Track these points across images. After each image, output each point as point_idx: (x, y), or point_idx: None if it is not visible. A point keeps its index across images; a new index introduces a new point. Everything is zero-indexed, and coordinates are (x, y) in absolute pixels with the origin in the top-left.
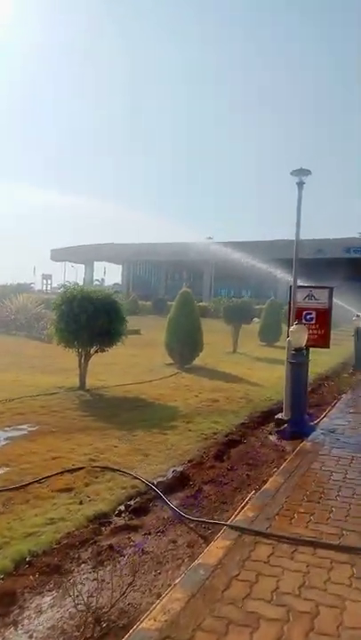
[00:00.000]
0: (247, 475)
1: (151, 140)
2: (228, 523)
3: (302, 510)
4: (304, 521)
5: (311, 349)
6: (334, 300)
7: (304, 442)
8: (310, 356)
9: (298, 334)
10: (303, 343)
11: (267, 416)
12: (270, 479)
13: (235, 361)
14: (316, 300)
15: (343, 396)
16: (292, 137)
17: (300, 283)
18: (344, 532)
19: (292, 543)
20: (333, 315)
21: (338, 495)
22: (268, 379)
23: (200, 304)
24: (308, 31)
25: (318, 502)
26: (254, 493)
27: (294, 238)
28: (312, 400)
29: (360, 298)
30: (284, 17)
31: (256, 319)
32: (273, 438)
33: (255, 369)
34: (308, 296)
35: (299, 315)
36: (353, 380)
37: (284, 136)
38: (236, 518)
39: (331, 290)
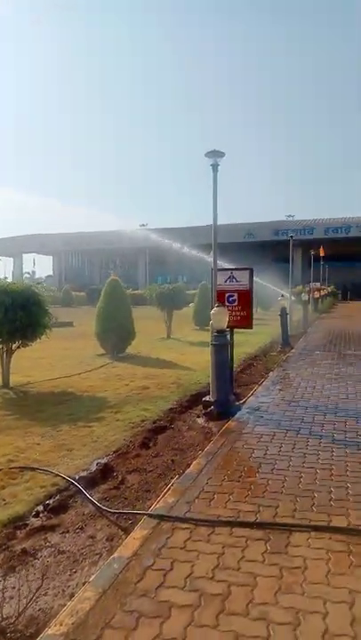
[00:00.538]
0: (172, 460)
1: (79, 130)
2: (148, 512)
3: (222, 491)
4: (223, 501)
5: (244, 330)
6: (264, 281)
7: (230, 422)
8: (243, 337)
9: (218, 316)
10: (224, 325)
11: (196, 399)
12: (194, 462)
13: (168, 347)
14: (237, 281)
15: (270, 373)
16: (221, 123)
17: (228, 265)
18: (260, 509)
19: (210, 525)
20: (265, 296)
21: (258, 472)
22: (200, 362)
23: (135, 292)
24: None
25: (238, 481)
26: (177, 478)
27: (212, 222)
28: (241, 379)
29: (288, 279)
30: None
31: (191, 304)
32: (201, 421)
33: (188, 353)
34: (229, 278)
35: (221, 297)
36: (280, 357)
37: (211, 123)
38: (157, 506)
39: (251, 271)
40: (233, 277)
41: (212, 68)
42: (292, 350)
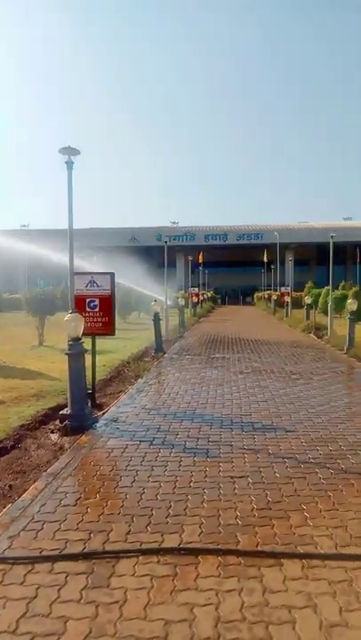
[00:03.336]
0: (10, 486)
1: None
2: None
3: (54, 519)
4: (52, 531)
5: (121, 336)
6: (149, 286)
7: (83, 436)
8: (121, 343)
9: (73, 323)
10: (80, 332)
11: (55, 412)
12: (31, 487)
13: (39, 355)
14: (98, 286)
15: (139, 380)
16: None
17: (112, 270)
18: (91, 536)
19: (29, 562)
20: (146, 301)
21: (98, 492)
22: None
23: (13, 296)
24: None
25: (75, 504)
26: (7, 509)
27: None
28: (109, 388)
29: (171, 284)
30: None
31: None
32: (54, 437)
33: (58, 362)
34: (89, 283)
35: (81, 303)
36: (152, 363)
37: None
38: None
39: (112, 275)
40: (94, 282)
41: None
42: (165, 355)
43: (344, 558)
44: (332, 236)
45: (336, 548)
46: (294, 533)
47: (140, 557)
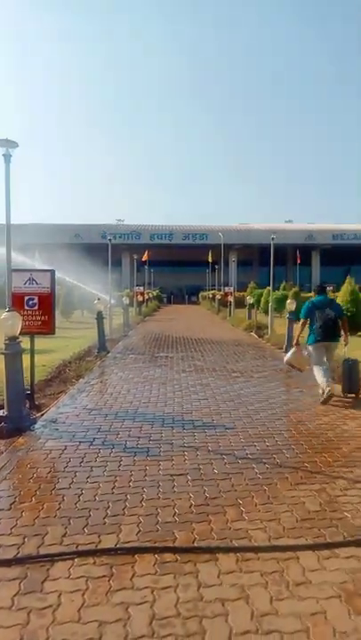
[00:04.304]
0: None
1: None
2: None
3: None
4: None
5: (65, 335)
6: (93, 284)
7: (20, 438)
8: (63, 342)
9: (10, 322)
10: (17, 331)
11: None
12: None
13: None
14: (37, 284)
15: (81, 380)
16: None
17: (54, 267)
18: (25, 540)
19: None
20: (90, 300)
21: (34, 495)
22: None
23: None
24: None
25: (9, 510)
26: None
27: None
28: (49, 388)
29: (116, 282)
30: None
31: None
32: None
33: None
34: (28, 280)
35: (19, 300)
36: (95, 363)
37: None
38: None
39: (52, 273)
40: (33, 280)
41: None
42: (108, 355)
43: (276, 550)
44: (272, 238)
45: (269, 540)
46: (230, 528)
47: (76, 560)
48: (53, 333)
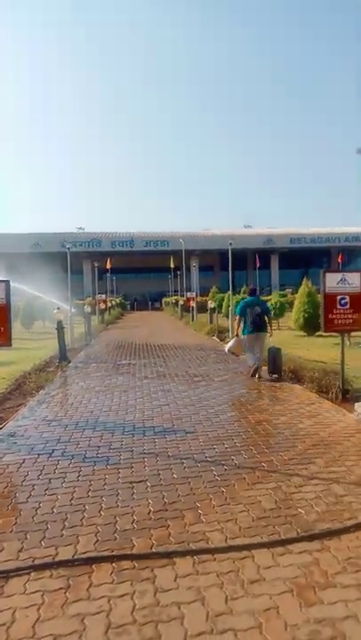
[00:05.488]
0: None
1: None
2: None
3: None
4: None
5: (27, 346)
6: (53, 293)
7: None
8: (25, 353)
9: None
10: None
11: None
12: None
13: None
14: None
15: (41, 392)
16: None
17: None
18: None
19: None
20: (51, 309)
21: None
22: None
23: None
24: None
25: None
26: None
27: None
28: (9, 401)
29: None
30: None
31: None
32: None
33: None
34: None
35: None
36: (55, 374)
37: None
38: None
39: (7, 283)
40: None
41: None
42: (69, 364)
43: (232, 550)
44: (230, 243)
45: (226, 540)
46: (188, 531)
47: (32, 574)
48: (10, 345)
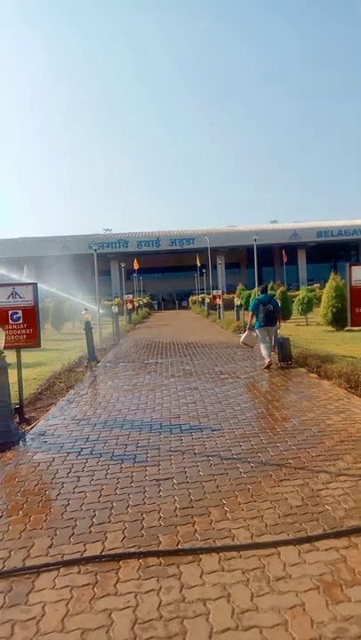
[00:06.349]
0: None
1: None
2: None
3: None
4: None
5: (57, 347)
6: (82, 294)
7: (8, 452)
8: (55, 354)
9: None
10: (1, 346)
11: None
12: None
13: None
14: (20, 298)
15: (70, 391)
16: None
17: (37, 279)
18: (11, 553)
19: None
20: (80, 311)
21: (22, 509)
22: None
23: None
24: None
25: None
26: None
27: None
28: (40, 401)
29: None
30: None
31: None
32: None
33: None
34: (11, 295)
35: (3, 315)
36: (84, 374)
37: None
38: None
39: (35, 286)
40: (16, 294)
41: None
42: (98, 364)
43: (258, 547)
44: (255, 239)
45: (252, 537)
46: (214, 528)
47: (61, 569)
48: (39, 346)
